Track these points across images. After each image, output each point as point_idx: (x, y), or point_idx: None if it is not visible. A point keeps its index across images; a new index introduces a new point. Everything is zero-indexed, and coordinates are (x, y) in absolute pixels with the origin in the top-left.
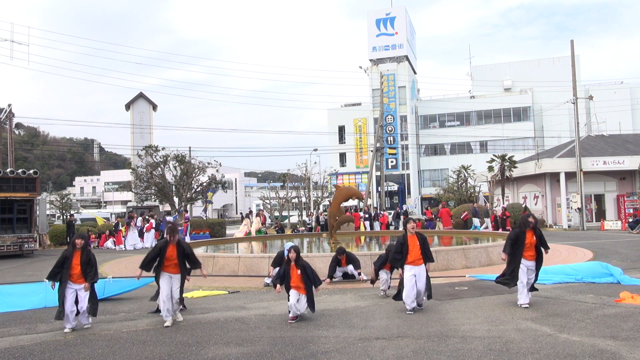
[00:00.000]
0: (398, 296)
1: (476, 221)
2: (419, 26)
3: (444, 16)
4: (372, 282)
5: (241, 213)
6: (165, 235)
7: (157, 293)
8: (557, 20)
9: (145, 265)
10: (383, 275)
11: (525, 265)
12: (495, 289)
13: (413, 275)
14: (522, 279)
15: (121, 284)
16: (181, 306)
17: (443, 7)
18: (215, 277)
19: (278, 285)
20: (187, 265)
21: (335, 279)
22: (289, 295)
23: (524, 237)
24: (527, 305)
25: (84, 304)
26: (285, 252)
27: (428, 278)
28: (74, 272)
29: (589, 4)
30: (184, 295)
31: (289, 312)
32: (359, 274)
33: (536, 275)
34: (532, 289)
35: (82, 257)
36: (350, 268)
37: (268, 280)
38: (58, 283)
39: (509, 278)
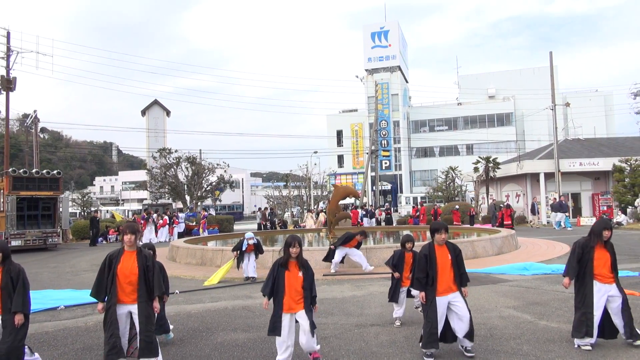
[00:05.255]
0: (428, 341)
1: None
2: (414, 37)
3: (437, 27)
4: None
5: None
6: (120, 237)
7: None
8: (543, 31)
9: (98, 292)
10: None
11: (601, 291)
12: (479, 279)
13: (446, 303)
14: (597, 309)
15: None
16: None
17: (437, 18)
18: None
19: (266, 300)
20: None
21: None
22: (276, 326)
23: (593, 251)
24: None
25: None
26: (245, 243)
27: (469, 310)
28: None
29: (573, 17)
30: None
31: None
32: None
33: (624, 314)
34: (631, 333)
35: (3, 278)
36: (347, 252)
37: (246, 274)
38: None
39: (578, 319)
